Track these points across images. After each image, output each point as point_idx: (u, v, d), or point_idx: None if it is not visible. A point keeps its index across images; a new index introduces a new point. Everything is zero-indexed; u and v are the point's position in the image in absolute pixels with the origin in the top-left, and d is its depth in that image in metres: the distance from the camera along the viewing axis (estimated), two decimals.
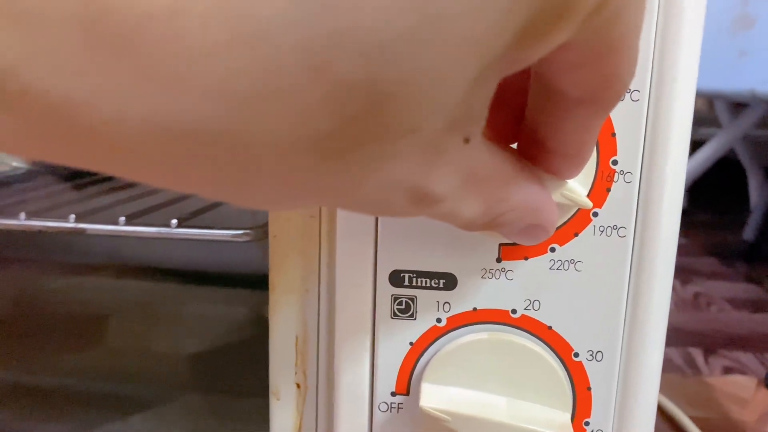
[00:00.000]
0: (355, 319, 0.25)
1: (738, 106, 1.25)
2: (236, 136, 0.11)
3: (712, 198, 1.57)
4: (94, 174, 0.49)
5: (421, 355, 0.25)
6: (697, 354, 0.76)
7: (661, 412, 0.57)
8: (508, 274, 0.24)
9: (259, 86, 0.10)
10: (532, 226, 0.18)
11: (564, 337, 0.24)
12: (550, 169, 0.18)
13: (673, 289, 0.24)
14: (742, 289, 1.04)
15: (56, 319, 0.52)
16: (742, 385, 0.67)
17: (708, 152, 1.21)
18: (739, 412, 0.60)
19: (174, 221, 0.29)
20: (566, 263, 0.23)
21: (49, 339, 0.50)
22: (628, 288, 0.23)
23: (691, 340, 0.80)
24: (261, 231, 0.29)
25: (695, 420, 0.55)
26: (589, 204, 0.21)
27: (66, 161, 0.12)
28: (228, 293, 0.51)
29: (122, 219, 0.30)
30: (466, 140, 0.14)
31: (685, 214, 0.24)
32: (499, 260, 0.24)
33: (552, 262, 0.23)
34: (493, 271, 0.24)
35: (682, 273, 1.12)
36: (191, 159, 0.11)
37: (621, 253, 0.23)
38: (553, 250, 0.23)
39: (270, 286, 0.26)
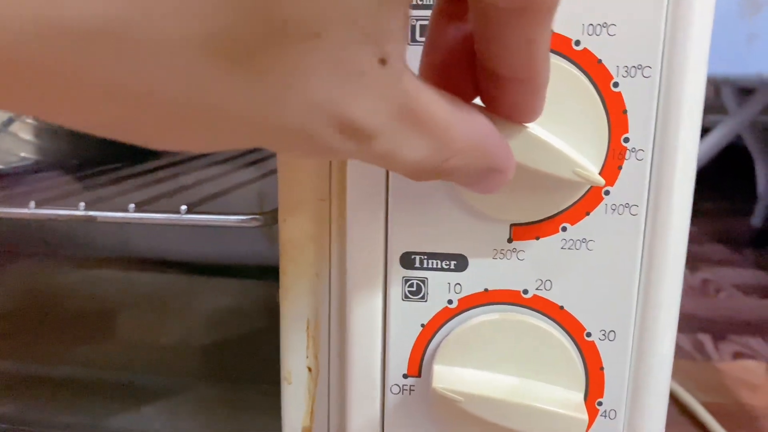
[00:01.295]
0: (366, 302, 0.25)
1: (745, 92, 1.24)
2: (126, 34, 0.10)
3: (719, 185, 1.57)
4: (101, 165, 0.49)
5: (433, 336, 0.25)
6: (707, 340, 0.75)
7: (672, 398, 0.57)
8: (520, 254, 0.24)
9: None
10: (486, 170, 0.17)
11: (576, 317, 0.24)
12: (509, 105, 0.18)
13: None
14: (751, 276, 1.03)
15: (68, 312, 0.52)
16: (753, 370, 0.66)
17: (715, 139, 1.20)
18: (750, 397, 0.60)
19: (183, 207, 0.29)
20: (578, 242, 0.23)
21: (62, 331, 0.50)
22: (640, 266, 0.23)
23: (700, 326, 0.80)
24: (270, 216, 0.29)
25: (706, 405, 0.55)
26: (602, 181, 0.21)
27: None
28: (237, 283, 0.51)
29: (132, 206, 0.30)
30: (383, 61, 0.13)
31: (692, 201, 0.23)
32: (510, 240, 0.23)
33: (563, 241, 0.23)
34: (504, 252, 0.24)
35: (690, 260, 1.11)
36: (84, 71, 0.11)
37: (633, 231, 0.23)
38: (564, 229, 0.23)
39: (281, 271, 0.26)
